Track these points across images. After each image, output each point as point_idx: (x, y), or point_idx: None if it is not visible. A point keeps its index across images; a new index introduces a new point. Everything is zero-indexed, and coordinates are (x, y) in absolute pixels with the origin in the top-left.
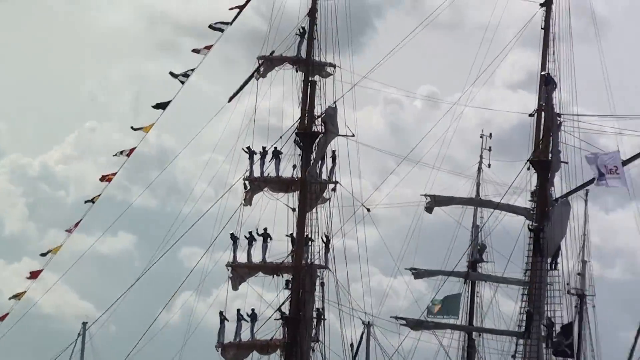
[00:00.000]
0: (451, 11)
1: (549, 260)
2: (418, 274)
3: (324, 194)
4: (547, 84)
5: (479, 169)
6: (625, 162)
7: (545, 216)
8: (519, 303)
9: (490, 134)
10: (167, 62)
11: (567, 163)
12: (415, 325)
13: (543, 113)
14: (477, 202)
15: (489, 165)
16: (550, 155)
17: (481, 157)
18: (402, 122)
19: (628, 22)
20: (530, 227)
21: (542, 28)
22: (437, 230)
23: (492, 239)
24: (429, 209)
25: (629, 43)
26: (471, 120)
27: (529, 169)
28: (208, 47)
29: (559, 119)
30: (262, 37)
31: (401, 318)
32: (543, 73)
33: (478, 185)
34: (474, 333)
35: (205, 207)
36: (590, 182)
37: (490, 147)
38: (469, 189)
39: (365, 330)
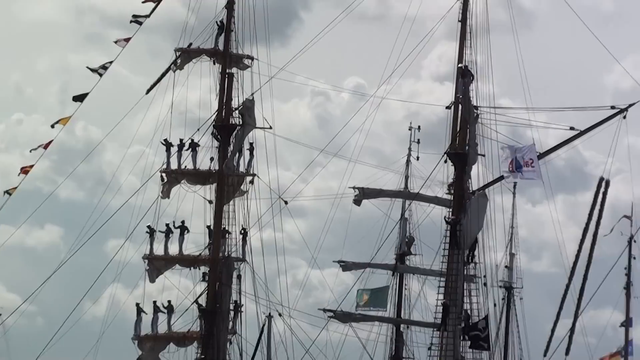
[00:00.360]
0: (377, 3)
1: (466, 252)
2: (346, 266)
3: (242, 187)
4: (463, 76)
5: (408, 162)
6: (541, 155)
7: (462, 209)
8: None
9: (419, 127)
10: (94, 54)
11: (484, 155)
12: (343, 317)
13: (460, 105)
14: (405, 194)
15: (418, 158)
16: (467, 147)
17: (410, 149)
18: (329, 114)
19: (554, 15)
20: (447, 219)
21: (459, 21)
22: (365, 222)
23: (420, 232)
24: (357, 201)
25: (554, 35)
26: (398, 113)
27: (446, 161)
28: (127, 39)
29: (476, 111)
30: (187, 28)
31: (329, 310)
32: (460, 65)
33: (407, 178)
34: (402, 325)
35: (132, 199)
36: (501, 177)
37: (419, 140)
38: (397, 182)
39: (267, 322)
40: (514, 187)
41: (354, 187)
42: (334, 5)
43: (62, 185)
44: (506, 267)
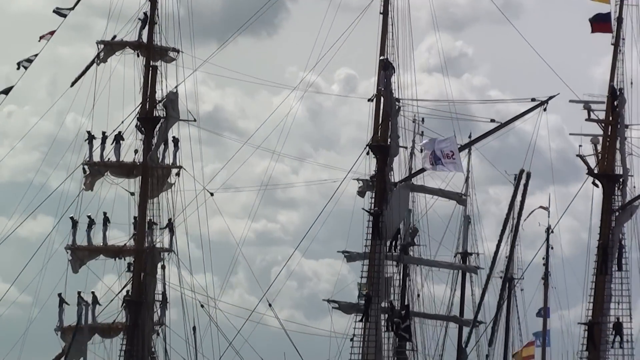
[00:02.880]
0: None
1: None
2: (350, 257)
3: (169, 179)
4: (385, 68)
5: (412, 154)
6: (461, 148)
7: (384, 200)
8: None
9: (423, 119)
10: (82, 45)
11: (406, 148)
12: (349, 308)
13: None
14: (409, 186)
15: (422, 150)
16: (389, 140)
17: (413, 141)
18: (318, 105)
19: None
20: (370, 210)
21: (380, 13)
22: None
23: (424, 223)
24: (361, 192)
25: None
26: None
27: (368, 153)
28: (52, 33)
29: (397, 103)
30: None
31: (333, 301)
32: (381, 58)
33: (410, 169)
34: None
35: None
36: (422, 170)
37: (422, 132)
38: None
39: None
40: (514, 178)
41: (357, 179)
42: None
43: (53, 176)
44: (507, 257)
